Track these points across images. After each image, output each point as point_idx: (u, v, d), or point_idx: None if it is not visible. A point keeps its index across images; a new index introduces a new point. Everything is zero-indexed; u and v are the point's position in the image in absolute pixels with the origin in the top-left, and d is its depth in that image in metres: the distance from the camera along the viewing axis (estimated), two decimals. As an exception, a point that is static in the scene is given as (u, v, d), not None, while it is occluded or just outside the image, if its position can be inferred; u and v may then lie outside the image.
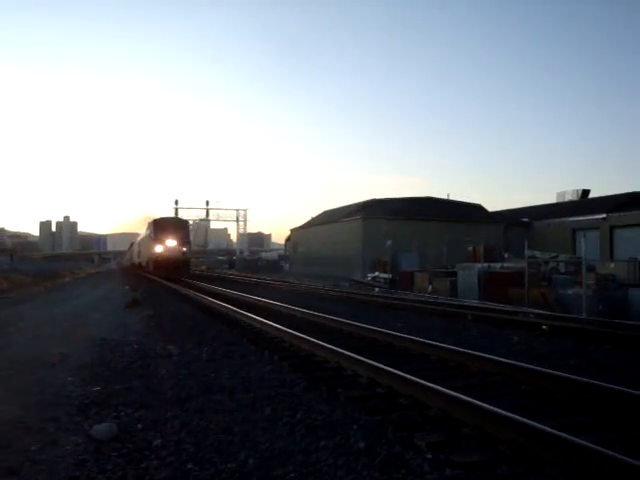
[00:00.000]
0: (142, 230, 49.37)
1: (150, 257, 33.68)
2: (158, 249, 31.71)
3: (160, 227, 32.97)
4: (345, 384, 5.72)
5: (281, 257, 72.04)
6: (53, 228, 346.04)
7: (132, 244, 67.08)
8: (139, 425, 4.45)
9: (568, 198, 45.46)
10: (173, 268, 31.01)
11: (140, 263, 43.84)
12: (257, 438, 4.12)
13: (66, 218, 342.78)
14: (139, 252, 44.89)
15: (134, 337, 9.20)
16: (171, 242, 31.79)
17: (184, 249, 32.51)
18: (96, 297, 20.57)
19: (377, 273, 31.52)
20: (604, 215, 33.54)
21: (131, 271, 53.66)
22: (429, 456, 3.69)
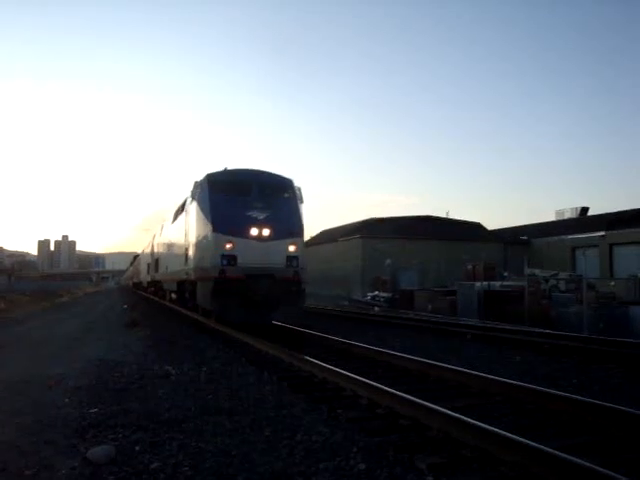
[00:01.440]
0: (148, 240, 34.00)
1: (193, 271, 14.25)
2: (218, 249, 12.59)
3: (225, 189, 13.43)
4: (345, 405, 5.67)
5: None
6: (51, 247, 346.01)
7: (136, 258, 55.31)
8: (137, 447, 4.39)
9: (567, 216, 45.60)
10: (265, 298, 12.39)
11: (153, 284, 28.78)
12: (256, 460, 4.06)
13: (64, 237, 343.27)
14: (155, 264, 26.35)
15: (132, 357, 9.11)
16: (259, 230, 12.74)
17: (291, 248, 13.07)
18: (94, 317, 20.45)
19: (377, 292, 31.42)
20: (603, 233, 33.59)
21: (132, 291, 51.14)
22: (430, 479, 3.64)
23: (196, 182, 14.14)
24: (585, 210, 45.82)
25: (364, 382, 6.17)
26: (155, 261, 26.18)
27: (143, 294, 36.88)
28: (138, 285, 45.08)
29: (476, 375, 6.77)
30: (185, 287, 16.11)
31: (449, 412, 4.75)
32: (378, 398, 5.69)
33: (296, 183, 14.17)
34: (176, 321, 16.78)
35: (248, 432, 4.78)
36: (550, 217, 50.13)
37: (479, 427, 4.32)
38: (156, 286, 28.01)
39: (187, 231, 15.21)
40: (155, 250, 26.99)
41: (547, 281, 21.78)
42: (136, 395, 6.28)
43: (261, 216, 12.62)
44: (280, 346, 9.57)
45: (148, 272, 31.15)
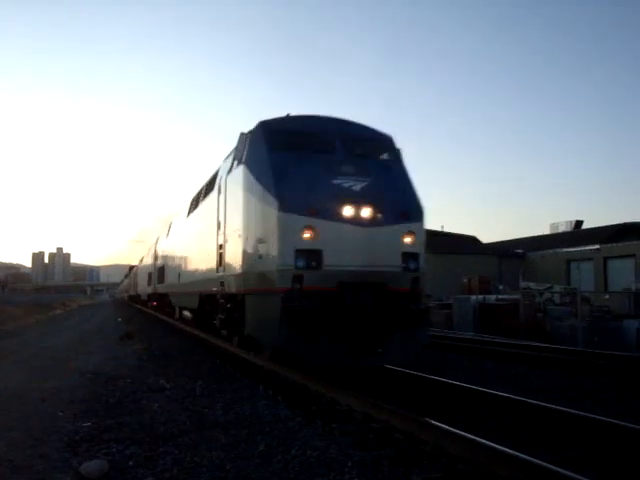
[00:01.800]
0: (144, 252, 33.39)
1: (235, 279, 9.04)
2: (288, 240, 7.36)
3: (293, 145, 8.44)
4: (340, 419, 5.65)
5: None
6: (46, 259, 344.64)
7: (132, 269, 50.70)
8: (130, 462, 4.37)
9: (562, 229, 45.76)
10: (370, 323, 7.27)
11: (156, 297, 24.72)
12: (251, 475, 4.04)
13: (59, 249, 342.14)
14: (159, 273, 22.30)
15: (127, 371, 9.06)
16: (356, 209, 7.58)
17: (408, 240, 8.22)
18: (88, 330, 20.32)
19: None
20: (598, 246, 33.70)
21: (128, 304, 49.06)
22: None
23: (242, 134, 9.14)
24: (580, 223, 46.03)
25: (358, 396, 6.12)
26: (159, 270, 21.40)
27: (141, 308, 34.54)
28: (135, 298, 41.47)
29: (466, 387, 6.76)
30: (213, 304, 11.04)
31: (444, 426, 4.74)
32: (373, 412, 5.65)
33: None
34: (171, 334, 16.70)
35: (243, 446, 4.75)
36: (545, 230, 50.36)
37: (473, 441, 4.32)
38: (160, 300, 23.27)
39: (222, 218, 9.98)
40: (160, 256, 22.16)
41: (542, 294, 21.81)
42: (130, 409, 6.25)
43: (357, 186, 7.76)
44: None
45: (149, 283, 26.68)
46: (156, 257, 24.25)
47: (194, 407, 6.27)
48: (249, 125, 9.18)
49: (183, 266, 15.69)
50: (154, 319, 25.85)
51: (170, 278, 18.50)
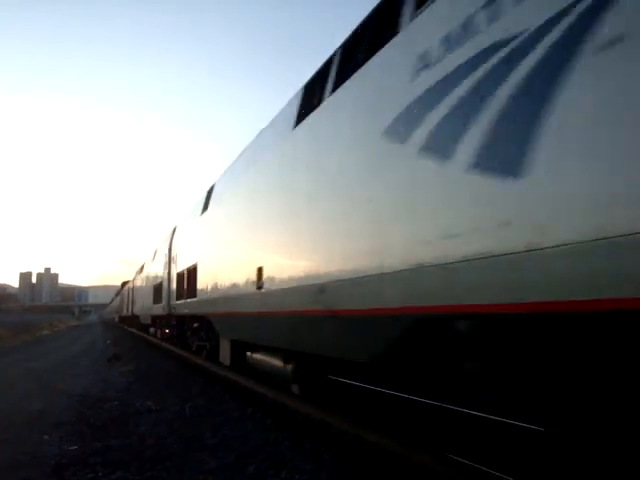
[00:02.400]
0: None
1: None
2: None
3: None
4: (330, 442, 5.60)
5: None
6: (33, 279, 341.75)
7: (124, 285, 44.96)
8: (117, 486, 4.30)
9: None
10: None
11: (171, 321, 16.71)
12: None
13: (47, 270, 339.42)
14: (185, 281, 12.84)
15: (114, 393, 8.96)
16: None
17: None
18: (76, 351, 20.08)
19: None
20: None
21: (118, 326, 47.22)
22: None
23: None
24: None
25: (348, 419, 6.07)
26: (182, 277, 13.18)
27: (137, 333, 28.15)
28: (129, 320, 34.35)
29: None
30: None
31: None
32: (363, 434, 5.62)
33: None
34: (160, 356, 16.53)
35: (232, 470, 4.70)
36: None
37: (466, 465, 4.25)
38: (179, 325, 15.50)
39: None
40: (179, 256, 13.99)
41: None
42: (118, 432, 6.17)
43: None
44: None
45: (156, 300, 18.07)
46: (170, 259, 15.37)
47: (182, 429, 6.21)
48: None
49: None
50: (143, 341, 25.59)
51: (207, 291, 10.34)
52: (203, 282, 10.75)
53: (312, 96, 6.02)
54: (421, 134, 3.64)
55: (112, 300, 77.57)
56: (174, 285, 14.43)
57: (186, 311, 12.93)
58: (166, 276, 15.78)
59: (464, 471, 3.94)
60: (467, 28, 3.24)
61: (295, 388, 6.98)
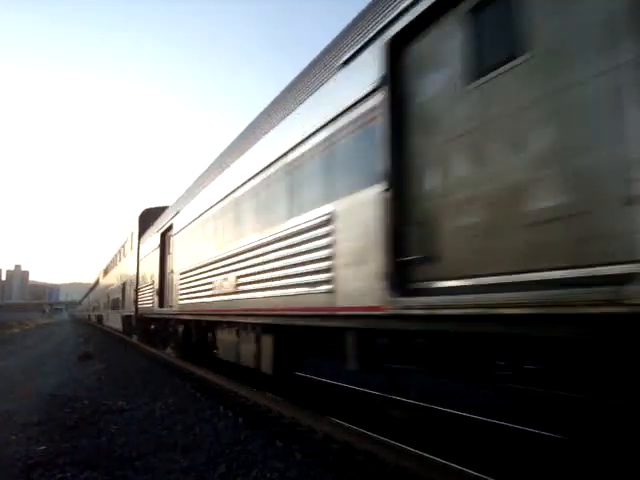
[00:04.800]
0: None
1: None
2: None
3: None
4: (301, 440, 5.65)
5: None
6: (3, 277, 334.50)
7: (96, 282, 41.34)
8: (86, 487, 4.29)
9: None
10: None
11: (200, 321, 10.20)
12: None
13: (17, 267, 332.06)
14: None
15: (85, 392, 8.87)
16: None
17: None
18: (46, 350, 19.76)
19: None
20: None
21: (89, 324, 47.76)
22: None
23: None
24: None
25: (320, 417, 6.13)
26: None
27: (102, 328, 26.28)
28: (105, 319, 30.93)
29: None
30: None
31: (404, 446, 4.78)
32: (334, 433, 5.68)
33: None
34: (132, 354, 16.39)
35: (203, 469, 4.72)
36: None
37: (439, 463, 4.38)
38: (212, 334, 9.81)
39: None
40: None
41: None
42: (87, 431, 6.13)
43: None
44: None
45: (162, 296, 13.78)
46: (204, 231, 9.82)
47: (153, 429, 6.19)
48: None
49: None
50: (115, 338, 25.29)
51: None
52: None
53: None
54: None
55: (83, 298, 77.44)
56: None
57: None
58: (172, 261, 13.05)
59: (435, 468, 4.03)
60: None
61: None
